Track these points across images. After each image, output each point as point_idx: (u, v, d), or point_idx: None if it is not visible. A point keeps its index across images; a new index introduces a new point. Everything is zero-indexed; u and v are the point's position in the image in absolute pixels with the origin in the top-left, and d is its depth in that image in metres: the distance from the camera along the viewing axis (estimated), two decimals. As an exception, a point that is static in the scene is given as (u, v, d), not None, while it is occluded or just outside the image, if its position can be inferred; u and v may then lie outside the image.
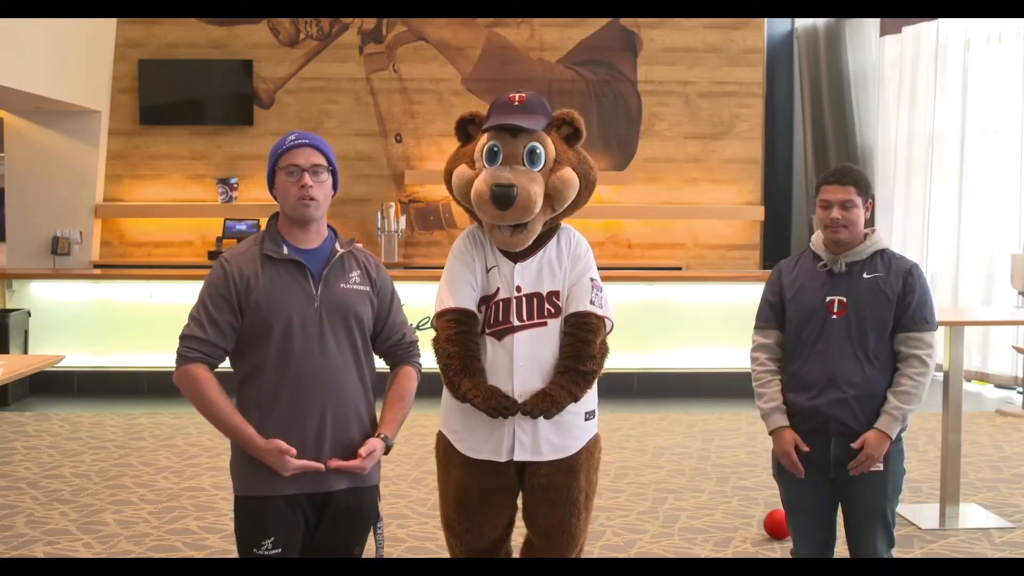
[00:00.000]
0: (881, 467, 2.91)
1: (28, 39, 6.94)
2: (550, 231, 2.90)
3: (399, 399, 2.62)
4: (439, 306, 2.85)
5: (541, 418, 2.78)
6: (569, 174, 2.81)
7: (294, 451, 2.42)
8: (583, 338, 2.79)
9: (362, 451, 2.49)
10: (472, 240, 2.90)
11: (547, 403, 2.74)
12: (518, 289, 2.82)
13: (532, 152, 2.79)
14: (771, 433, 3.02)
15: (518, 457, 2.80)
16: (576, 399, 2.79)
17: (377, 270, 2.65)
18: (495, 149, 2.80)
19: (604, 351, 2.85)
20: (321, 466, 2.45)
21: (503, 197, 2.72)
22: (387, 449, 2.56)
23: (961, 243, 8.16)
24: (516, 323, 2.79)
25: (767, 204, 9.15)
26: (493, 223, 2.80)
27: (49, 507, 4.64)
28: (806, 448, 2.95)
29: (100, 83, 8.53)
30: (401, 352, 2.67)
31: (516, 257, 2.85)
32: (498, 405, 2.72)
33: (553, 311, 2.82)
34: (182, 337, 2.48)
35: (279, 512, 2.46)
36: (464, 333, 2.78)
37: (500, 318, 2.80)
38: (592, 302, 2.83)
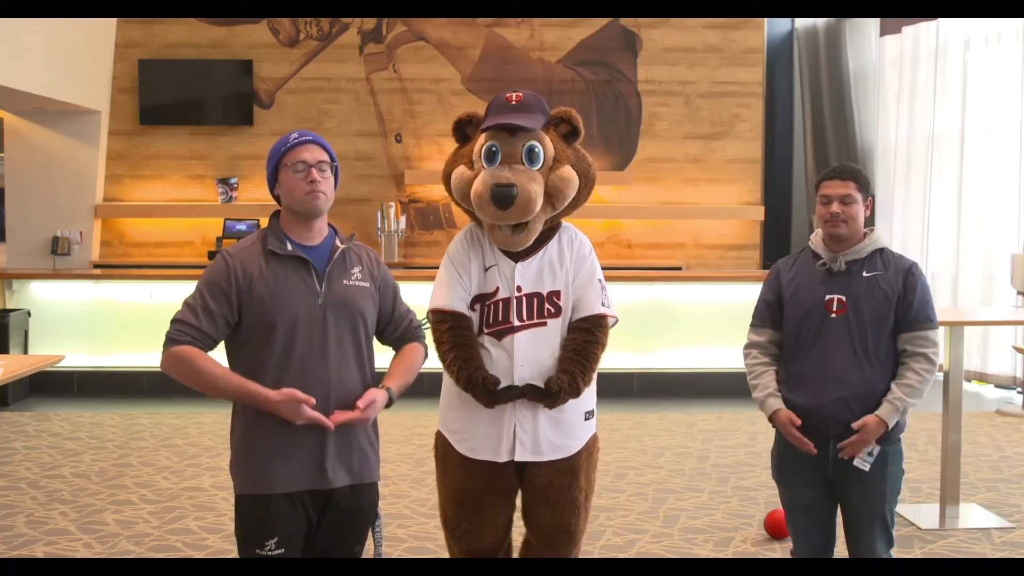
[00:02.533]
0: (867, 467, 2.89)
1: (28, 39, 6.94)
2: (551, 230, 2.89)
3: (404, 364, 2.64)
4: (432, 304, 2.86)
5: (541, 418, 2.78)
6: (568, 172, 2.81)
7: (313, 400, 2.40)
8: (592, 339, 2.79)
9: (360, 403, 2.48)
10: (469, 239, 2.89)
11: (564, 381, 2.72)
12: (518, 289, 2.81)
13: (531, 151, 2.77)
14: (770, 418, 3.00)
15: (518, 457, 2.80)
16: (579, 395, 2.79)
17: (377, 265, 2.66)
18: (493, 149, 2.79)
19: (605, 344, 2.87)
20: (330, 424, 2.43)
21: (503, 197, 2.71)
22: (389, 402, 2.55)
23: (961, 243, 8.16)
24: (516, 323, 2.79)
25: (767, 204, 9.14)
26: (493, 223, 2.79)
27: (49, 507, 4.64)
28: (798, 422, 2.92)
29: (100, 83, 8.53)
30: (408, 335, 2.70)
31: (517, 256, 2.84)
32: (486, 381, 2.71)
33: (553, 311, 2.81)
34: (173, 320, 2.46)
35: (282, 511, 2.45)
36: (454, 330, 2.78)
37: (500, 318, 2.79)
38: (603, 304, 2.84)
